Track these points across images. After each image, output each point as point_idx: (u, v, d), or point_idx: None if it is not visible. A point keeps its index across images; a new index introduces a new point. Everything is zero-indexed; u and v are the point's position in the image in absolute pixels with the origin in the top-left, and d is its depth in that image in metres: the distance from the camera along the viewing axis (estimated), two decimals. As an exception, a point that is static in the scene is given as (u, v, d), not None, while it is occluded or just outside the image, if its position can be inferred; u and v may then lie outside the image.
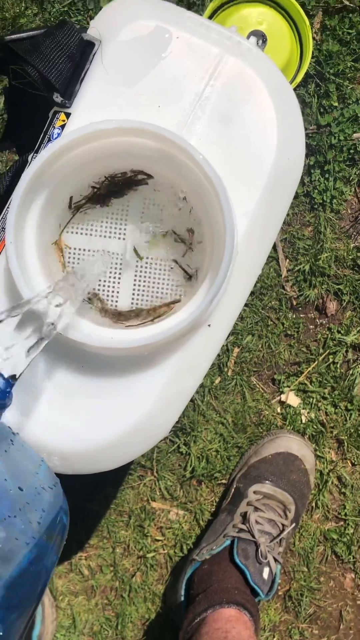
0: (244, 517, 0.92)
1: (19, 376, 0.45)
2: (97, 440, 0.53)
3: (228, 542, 0.91)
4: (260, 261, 0.55)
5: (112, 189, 0.55)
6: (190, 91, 0.53)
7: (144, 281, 0.59)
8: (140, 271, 0.59)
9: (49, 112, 0.55)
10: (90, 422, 0.53)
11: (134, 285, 0.59)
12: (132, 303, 0.59)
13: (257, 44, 0.89)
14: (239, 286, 0.55)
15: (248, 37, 0.89)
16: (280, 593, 1.05)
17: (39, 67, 0.52)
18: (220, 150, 0.53)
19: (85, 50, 0.54)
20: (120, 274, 0.59)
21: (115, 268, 0.59)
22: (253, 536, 0.90)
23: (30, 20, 0.94)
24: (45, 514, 0.47)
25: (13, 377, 0.45)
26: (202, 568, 0.92)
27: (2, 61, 0.58)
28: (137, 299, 0.59)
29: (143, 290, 0.59)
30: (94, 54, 0.54)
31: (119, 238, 0.59)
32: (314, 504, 1.03)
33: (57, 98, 0.53)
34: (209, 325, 0.52)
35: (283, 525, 0.91)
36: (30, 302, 0.46)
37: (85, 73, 0.54)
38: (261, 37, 0.90)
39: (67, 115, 0.53)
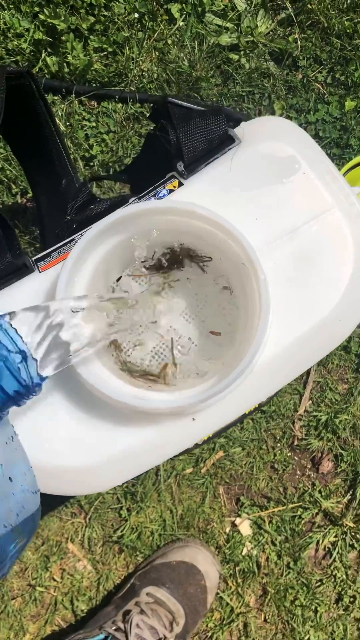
0: (126, 616, 0.90)
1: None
2: (73, 463, 0.55)
3: (101, 637, 0.88)
4: (268, 392, 0.57)
5: (171, 260, 0.60)
6: (288, 221, 0.57)
7: (162, 347, 0.62)
8: (164, 339, 0.62)
9: (167, 172, 0.60)
10: (69, 445, 0.56)
11: (153, 349, 0.62)
12: (140, 363, 0.62)
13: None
14: (239, 401, 0.56)
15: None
16: None
17: (179, 136, 0.57)
18: (285, 281, 0.56)
19: (224, 142, 0.59)
20: (144, 332, 0.62)
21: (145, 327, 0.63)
22: (127, 638, 0.87)
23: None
24: (25, 510, 0.50)
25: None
26: None
27: (157, 113, 0.64)
28: (148, 361, 0.62)
29: (156, 355, 0.62)
30: (230, 149, 0.59)
31: (167, 303, 0.63)
32: (209, 635, 1.00)
33: (180, 167, 0.58)
34: (193, 419, 0.54)
35: (165, 637, 0.88)
36: (56, 307, 0.50)
37: (213, 160, 0.59)
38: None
39: (180, 184, 0.58)
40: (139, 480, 1.02)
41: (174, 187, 0.58)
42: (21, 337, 0.47)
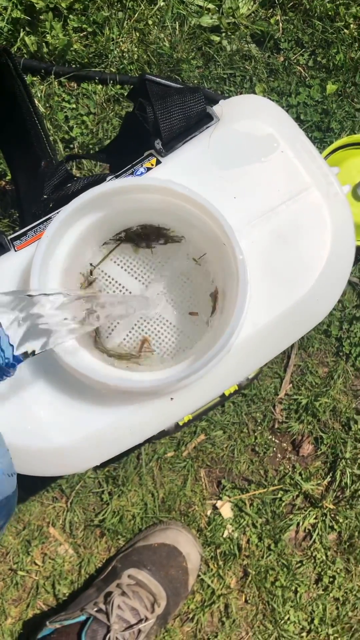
0: (108, 598, 0.90)
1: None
2: (54, 444, 0.55)
3: (82, 618, 0.88)
4: (245, 372, 0.57)
5: (145, 235, 0.59)
6: (266, 200, 0.56)
7: (139, 329, 0.62)
8: (141, 319, 0.62)
9: (144, 150, 0.59)
10: (49, 426, 0.55)
11: (132, 328, 0.62)
12: (120, 343, 0.61)
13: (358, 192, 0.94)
14: (217, 381, 0.56)
15: (358, 184, 0.94)
16: None
17: (157, 113, 0.56)
18: (263, 261, 0.56)
19: (202, 120, 0.58)
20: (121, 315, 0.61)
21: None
22: (108, 619, 0.87)
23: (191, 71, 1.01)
24: (0, 493, 0.50)
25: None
26: (50, 636, 0.89)
27: (135, 92, 0.63)
28: (126, 341, 0.62)
29: (133, 336, 0.62)
30: (207, 127, 0.58)
31: (143, 284, 0.62)
32: (190, 616, 1.01)
33: (158, 145, 0.57)
34: (172, 399, 0.54)
35: (146, 617, 0.89)
36: (33, 297, 0.49)
37: (191, 138, 0.58)
38: (368, 189, 0.94)
39: (158, 162, 0.58)
40: (121, 464, 1.02)
41: (152, 165, 0.57)
42: None
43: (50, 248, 0.52)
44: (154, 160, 0.57)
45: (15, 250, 0.56)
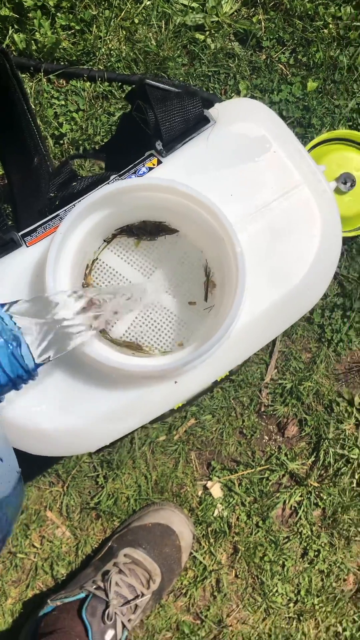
0: (105, 576, 0.95)
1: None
2: (62, 426, 0.59)
3: (82, 595, 0.93)
4: (242, 356, 0.61)
5: (146, 230, 0.63)
6: (260, 197, 0.61)
7: (143, 320, 0.66)
8: (145, 310, 0.66)
9: (145, 151, 0.63)
10: (58, 408, 0.59)
11: (134, 320, 0.66)
12: (123, 334, 0.65)
13: (345, 183, 0.99)
14: (216, 365, 0.61)
15: (341, 176, 0.99)
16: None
17: (158, 116, 0.60)
18: (258, 253, 0.60)
19: (199, 122, 0.62)
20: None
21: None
22: (107, 596, 0.92)
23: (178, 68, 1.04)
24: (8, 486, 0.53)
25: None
26: (52, 613, 0.94)
27: (133, 94, 0.66)
28: (129, 333, 0.66)
29: (137, 328, 0.66)
30: (205, 129, 0.62)
31: (144, 275, 0.66)
32: (184, 592, 1.06)
33: (159, 146, 0.61)
34: (175, 382, 0.58)
35: (142, 593, 0.94)
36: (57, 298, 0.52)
37: (190, 139, 0.62)
38: (351, 181, 0.99)
39: (159, 162, 0.61)
40: (115, 449, 1.06)
41: (153, 165, 0.61)
42: (19, 327, 0.50)
43: (63, 243, 0.56)
44: (155, 161, 0.61)
45: (27, 246, 0.59)
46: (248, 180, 0.61)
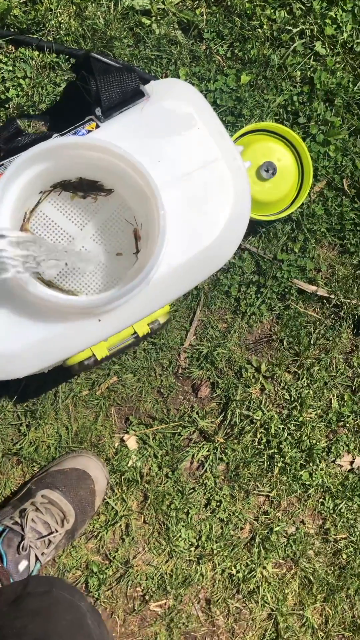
0: (22, 513, 1.02)
1: None
2: None
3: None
4: (160, 303, 0.71)
5: (81, 186, 0.72)
6: (184, 166, 0.70)
7: (74, 268, 0.74)
8: (77, 259, 0.74)
9: (85, 115, 0.71)
10: None
11: (65, 266, 0.74)
12: (54, 278, 0.73)
13: (267, 171, 1.10)
14: (137, 308, 0.70)
15: (264, 164, 1.09)
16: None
17: (99, 86, 0.68)
18: (179, 214, 0.70)
19: (135, 95, 0.71)
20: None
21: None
22: (23, 530, 1.00)
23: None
24: None
25: None
26: None
27: (79, 65, 0.74)
28: (61, 278, 0.74)
29: (68, 275, 0.74)
30: (140, 102, 0.71)
31: (77, 226, 0.74)
32: (95, 534, 1.14)
33: (98, 112, 0.69)
34: (99, 320, 0.67)
35: (57, 530, 1.02)
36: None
37: (127, 109, 0.70)
38: (273, 169, 1.10)
39: (97, 126, 0.69)
40: (39, 400, 1.13)
41: (92, 128, 0.69)
42: None
43: (5, 188, 0.63)
44: (94, 125, 0.69)
45: (-27, 190, 0.66)
46: (174, 150, 0.70)
